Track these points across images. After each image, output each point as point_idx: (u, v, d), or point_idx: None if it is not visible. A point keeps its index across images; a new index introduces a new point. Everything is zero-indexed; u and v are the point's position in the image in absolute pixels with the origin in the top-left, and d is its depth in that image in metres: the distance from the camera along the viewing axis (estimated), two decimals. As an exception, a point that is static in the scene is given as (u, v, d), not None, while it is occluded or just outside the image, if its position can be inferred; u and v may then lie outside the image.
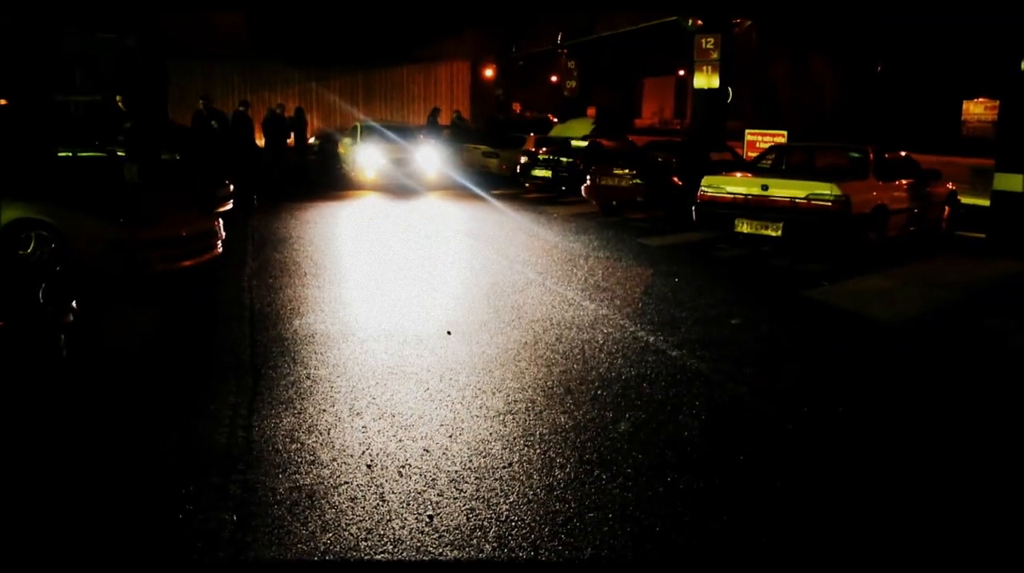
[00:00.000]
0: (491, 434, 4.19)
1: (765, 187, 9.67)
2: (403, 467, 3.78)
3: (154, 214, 7.59)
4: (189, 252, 7.55)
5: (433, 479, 3.66)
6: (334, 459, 3.85)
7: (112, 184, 9.99)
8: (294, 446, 3.99)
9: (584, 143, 17.34)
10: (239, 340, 5.83)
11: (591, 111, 25.90)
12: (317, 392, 4.76)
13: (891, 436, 4.36)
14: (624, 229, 11.79)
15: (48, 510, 3.38)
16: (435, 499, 3.47)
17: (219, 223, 8.23)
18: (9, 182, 7.34)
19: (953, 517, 3.49)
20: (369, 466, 3.78)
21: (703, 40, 16.79)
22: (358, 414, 4.43)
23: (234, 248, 9.07)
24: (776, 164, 11.40)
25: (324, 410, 4.48)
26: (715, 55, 16.62)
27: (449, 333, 6.04)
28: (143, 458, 3.89)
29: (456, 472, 3.73)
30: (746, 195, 9.82)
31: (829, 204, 9.08)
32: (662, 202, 12.67)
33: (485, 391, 4.83)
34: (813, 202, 9.19)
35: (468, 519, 3.31)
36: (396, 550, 3.08)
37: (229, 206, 11.70)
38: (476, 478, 3.68)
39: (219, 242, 8.10)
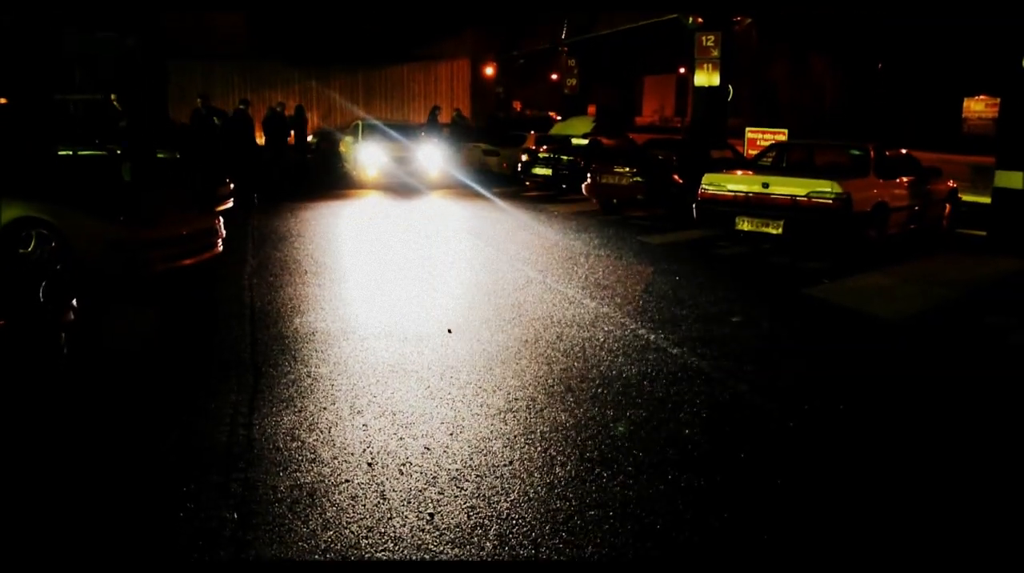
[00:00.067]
0: (492, 432, 4.18)
1: (766, 185, 9.66)
2: (404, 465, 3.78)
3: (154, 213, 7.59)
4: (189, 251, 7.55)
5: (434, 477, 3.66)
6: (335, 457, 3.85)
7: (112, 183, 10.00)
8: (295, 444, 3.99)
9: (584, 141, 17.32)
10: (240, 338, 5.83)
11: (591, 109, 25.89)
12: (318, 390, 4.76)
13: (892, 434, 4.36)
14: (625, 227, 11.79)
15: (49, 509, 3.38)
16: (436, 497, 3.47)
17: (219, 221, 8.23)
18: (9, 181, 7.34)
19: (954, 514, 3.49)
20: (370, 464, 3.78)
21: (704, 38, 16.79)
22: (359, 412, 4.43)
23: (235, 246, 9.07)
24: (777, 162, 11.39)
25: (325, 408, 4.48)
26: (716, 53, 16.62)
27: (450, 331, 6.04)
28: (144, 456, 3.89)
29: (457, 470, 3.73)
30: (747, 193, 9.82)
31: (830, 202, 9.08)
32: (663, 200, 12.67)
33: (486, 389, 4.83)
34: (814, 200, 9.19)
35: (469, 517, 3.31)
36: (397, 548, 3.08)
37: (229, 204, 11.70)
38: (477, 476, 3.68)
39: (219, 240, 8.10)
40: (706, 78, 16.86)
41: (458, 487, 3.57)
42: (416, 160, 16.55)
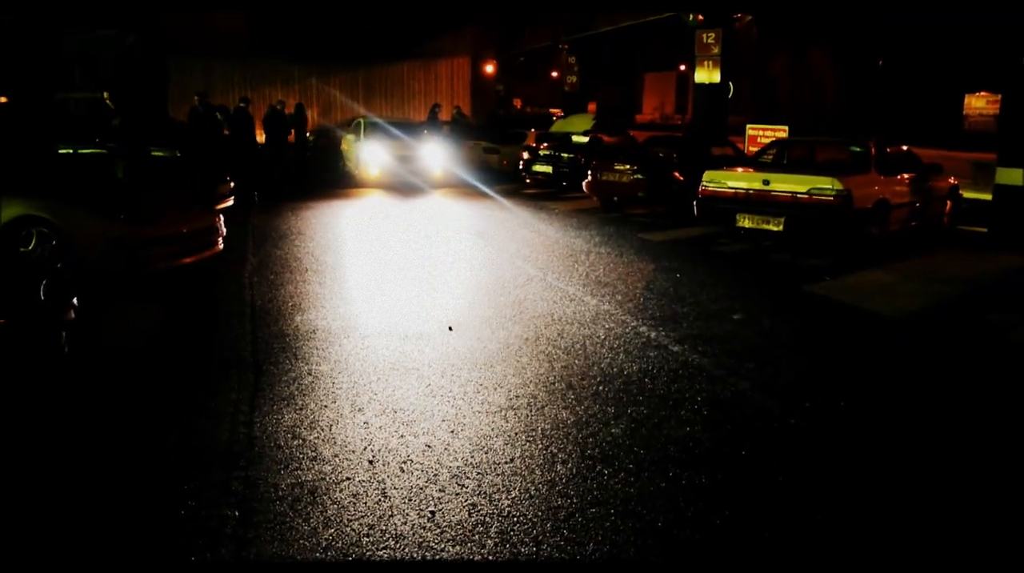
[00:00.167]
0: (493, 430, 4.18)
1: (766, 182, 9.66)
2: (405, 463, 3.77)
3: (155, 211, 7.59)
4: (190, 249, 7.55)
5: (435, 475, 3.66)
6: (336, 455, 3.85)
7: (113, 181, 9.99)
8: (296, 442, 3.99)
9: (585, 139, 17.31)
10: (240, 337, 5.83)
11: (592, 106, 25.88)
12: (319, 388, 4.76)
13: (893, 431, 4.35)
14: (625, 224, 11.78)
15: (51, 507, 3.38)
16: (437, 495, 3.47)
17: (220, 220, 8.23)
18: (10, 179, 7.34)
19: (955, 511, 3.48)
20: (371, 462, 3.78)
21: (704, 35, 16.77)
22: (360, 410, 4.43)
23: (235, 245, 9.07)
24: (777, 159, 11.38)
25: (326, 406, 4.48)
26: (716, 50, 16.60)
27: (451, 329, 6.04)
28: (145, 455, 3.89)
29: (458, 468, 3.73)
30: (747, 190, 9.81)
31: (831, 199, 9.07)
32: (663, 197, 12.66)
33: (487, 387, 4.83)
34: (815, 197, 9.18)
35: (470, 515, 3.31)
36: (398, 546, 3.08)
37: (230, 203, 11.69)
38: (478, 474, 3.67)
39: (220, 239, 8.10)
40: (707, 75, 16.84)
41: (459, 485, 3.57)
42: (419, 159, 16.42)
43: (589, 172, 13.59)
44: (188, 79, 23.20)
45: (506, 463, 3.79)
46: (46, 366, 4.72)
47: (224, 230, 8.24)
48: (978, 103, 22.92)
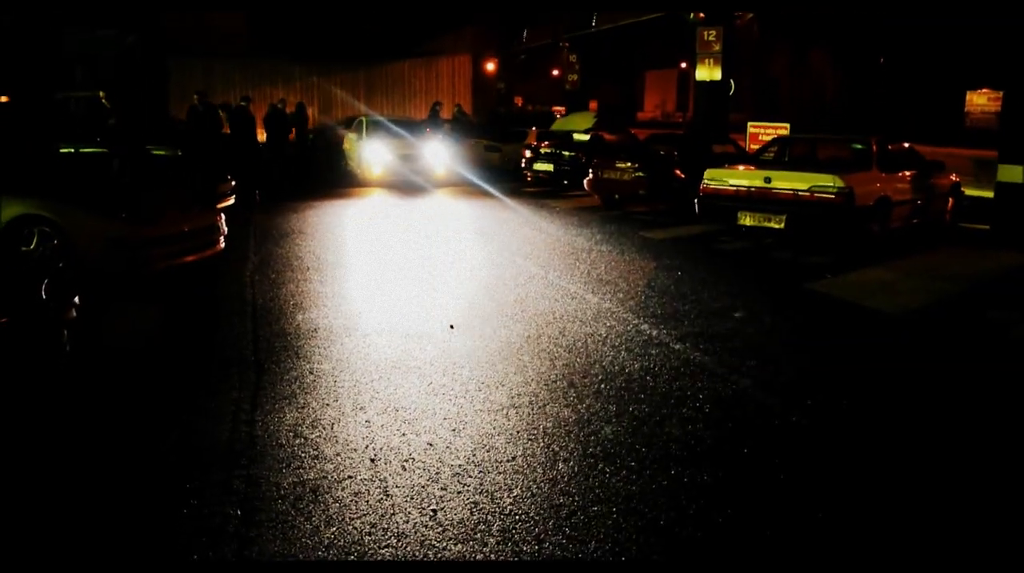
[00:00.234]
0: (494, 428, 4.18)
1: (768, 179, 9.64)
2: (407, 461, 3.77)
3: (156, 210, 7.59)
4: (191, 248, 7.56)
5: (437, 473, 3.66)
6: (338, 454, 3.85)
7: (114, 181, 10.00)
8: (297, 441, 3.99)
9: (586, 137, 17.31)
10: (241, 335, 5.83)
11: (593, 104, 25.87)
12: (320, 387, 4.76)
13: (895, 428, 4.35)
14: (626, 222, 11.77)
15: (52, 506, 3.38)
16: (439, 493, 3.47)
17: (221, 219, 8.23)
18: (11, 179, 7.35)
19: (956, 509, 3.48)
20: (373, 460, 3.78)
21: (705, 33, 16.76)
22: (361, 409, 4.43)
23: (236, 244, 9.07)
24: (779, 156, 11.37)
25: (327, 405, 4.48)
26: (717, 48, 16.60)
27: (452, 327, 6.04)
28: (146, 454, 3.89)
29: (460, 466, 3.73)
30: (749, 188, 9.80)
31: (832, 196, 9.05)
32: (664, 195, 12.65)
33: (488, 385, 4.83)
34: (816, 194, 9.17)
35: (472, 513, 3.31)
36: (400, 544, 3.08)
37: (231, 201, 11.69)
38: (480, 472, 3.67)
39: (221, 238, 8.11)
40: (708, 73, 16.83)
41: (461, 483, 3.56)
42: (421, 157, 16.36)
43: (590, 170, 13.59)
44: (188, 79, 23.19)
45: (508, 461, 3.79)
46: (47, 365, 4.72)
47: (225, 229, 8.24)
48: (980, 100, 22.85)
